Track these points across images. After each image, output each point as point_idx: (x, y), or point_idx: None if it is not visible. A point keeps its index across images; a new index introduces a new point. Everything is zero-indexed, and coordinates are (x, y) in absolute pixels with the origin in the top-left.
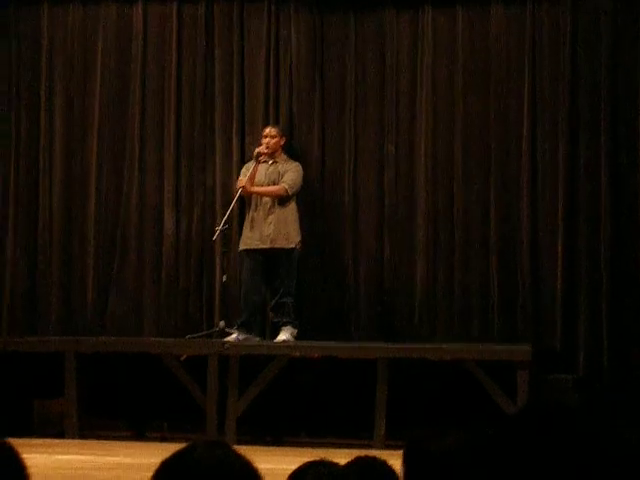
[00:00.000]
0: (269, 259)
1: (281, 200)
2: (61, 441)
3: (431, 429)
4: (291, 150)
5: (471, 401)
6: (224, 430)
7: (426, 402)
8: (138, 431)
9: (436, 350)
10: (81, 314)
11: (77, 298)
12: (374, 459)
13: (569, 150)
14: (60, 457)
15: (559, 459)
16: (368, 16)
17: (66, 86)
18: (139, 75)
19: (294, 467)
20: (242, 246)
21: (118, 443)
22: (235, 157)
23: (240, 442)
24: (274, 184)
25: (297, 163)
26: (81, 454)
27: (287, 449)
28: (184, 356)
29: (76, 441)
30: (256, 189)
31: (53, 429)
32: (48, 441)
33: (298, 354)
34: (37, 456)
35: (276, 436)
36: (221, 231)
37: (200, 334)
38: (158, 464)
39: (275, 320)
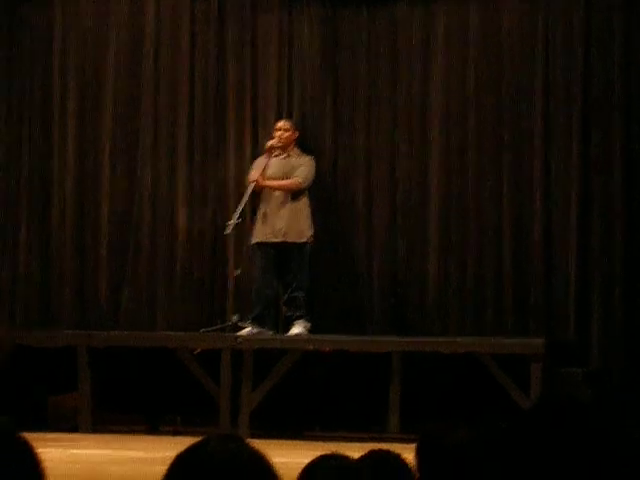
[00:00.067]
0: (281, 253)
1: (294, 194)
2: (75, 435)
3: (444, 423)
4: (304, 144)
5: (484, 394)
6: (237, 424)
7: (439, 395)
8: (151, 425)
9: (449, 343)
10: (94, 308)
11: (90, 292)
12: (388, 452)
13: (582, 145)
14: (74, 452)
15: (571, 455)
16: (380, 10)
17: (79, 82)
18: (152, 71)
19: (307, 461)
20: (254, 239)
21: (132, 437)
22: (248, 151)
23: (253, 436)
24: (287, 178)
25: (310, 157)
26: (95, 448)
27: (300, 443)
28: (197, 350)
29: (90, 435)
30: (269, 183)
31: (67, 423)
32: (62, 435)
33: (311, 348)
34: (51, 450)
35: (289, 430)
36: (234, 225)
37: (213, 328)
38: (172, 458)
39: (288, 314)
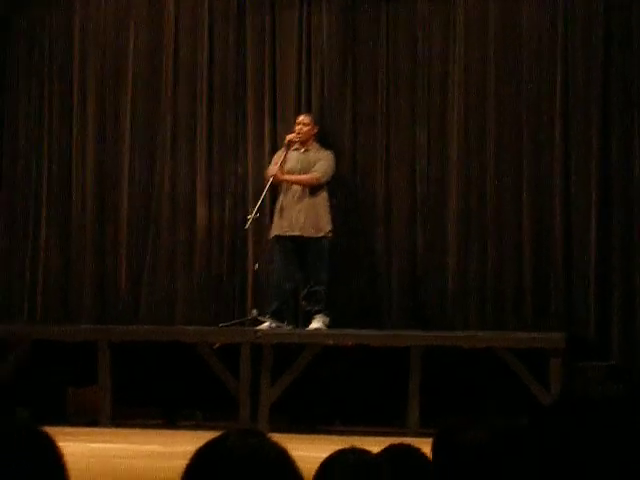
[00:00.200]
0: (299, 247)
1: (312, 188)
2: (95, 429)
3: (462, 419)
4: (323, 139)
5: (504, 389)
6: (257, 418)
7: (459, 390)
8: (171, 419)
9: (469, 338)
10: (114, 303)
11: (110, 287)
12: (408, 447)
13: (602, 138)
14: (94, 445)
15: (596, 452)
16: (400, 4)
17: (98, 77)
18: (171, 64)
19: (326, 455)
20: (272, 233)
21: (151, 431)
22: (267, 145)
23: (272, 430)
24: (305, 172)
25: (329, 152)
26: (115, 442)
27: (319, 437)
28: (217, 344)
29: (110, 429)
30: (287, 177)
31: (86, 418)
32: (82, 430)
33: (331, 342)
34: (71, 444)
35: (308, 424)
36: (253, 219)
37: (232, 322)
38: (191, 452)
39: (307, 309)
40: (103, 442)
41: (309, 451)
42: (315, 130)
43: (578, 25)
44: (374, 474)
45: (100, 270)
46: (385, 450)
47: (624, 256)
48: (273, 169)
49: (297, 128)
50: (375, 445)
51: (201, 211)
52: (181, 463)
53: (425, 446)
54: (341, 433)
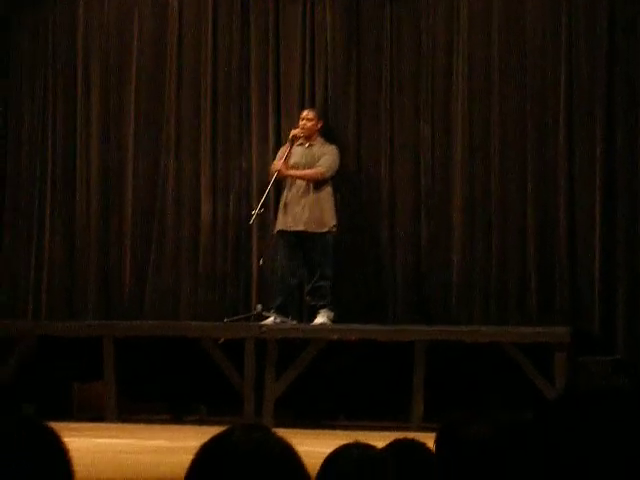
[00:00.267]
0: (303, 241)
1: (317, 183)
2: (100, 425)
3: (466, 413)
4: (328, 133)
5: (508, 384)
6: (261, 413)
7: (463, 385)
8: (176, 414)
9: (473, 333)
10: (119, 298)
11: (115, 282)
12: (412, 441)
13: (606, 132)
14: (100, 441)
15: (603, 447)
16: None
17: (102, 73)
18: (175, 60)
19: (331, 450)
20: (277, 228)
21: (157, 427)
22: (271, 141)
23: (277, 425)
24: (309, 167)
25: (334, 146)
26: (121, 437)
27: (324, 432)
28: (222, 339)
29: (115, 425)
30: (292, 172)
31: (92, 413)
32: (87, 425)
33: (336, 337)
34: (77, 440)
35: (314, 419)
36: (257, 215)
37: (237, 317)
38: (196, 447)
39: (312, 304)
40: (108, 437)
41: (314, 446)
42: (319, 125)
43: (582, 16)
44: (378, 469)
45: (105, 266)
46: (390, 445)
47: (629, 251)
48: (277, 164)
49: (301, 123)
50: (379, 440)
51: (205, 206)
52: (186, 458)
53: (429, 440)
54: (345, 428)
